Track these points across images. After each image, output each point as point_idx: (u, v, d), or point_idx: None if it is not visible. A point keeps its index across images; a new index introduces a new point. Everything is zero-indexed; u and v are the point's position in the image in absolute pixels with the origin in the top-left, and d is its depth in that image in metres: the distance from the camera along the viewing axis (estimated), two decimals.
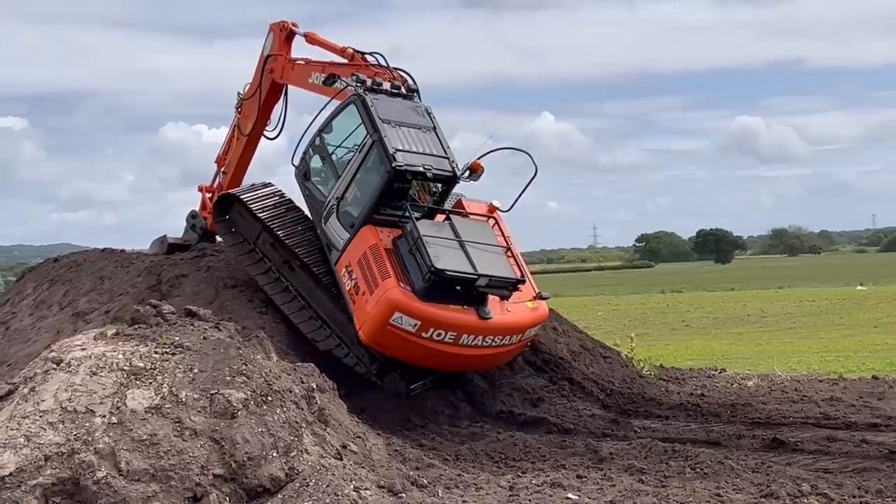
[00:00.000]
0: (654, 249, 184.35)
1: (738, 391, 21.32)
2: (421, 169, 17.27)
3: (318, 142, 18.81)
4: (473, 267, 16.56)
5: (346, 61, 20.01)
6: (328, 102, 18.85)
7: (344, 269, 17.51)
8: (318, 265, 18.47)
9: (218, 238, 23.30)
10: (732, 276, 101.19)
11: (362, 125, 17.73)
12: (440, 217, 17.78)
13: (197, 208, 24.16)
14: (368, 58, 19.67)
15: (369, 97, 17.71)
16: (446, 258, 16.42)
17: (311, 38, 21.45)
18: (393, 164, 16.99)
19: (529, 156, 18.48)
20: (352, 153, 18.19)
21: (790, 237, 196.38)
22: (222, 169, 23.64)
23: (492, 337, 16.89)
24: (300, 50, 21.80)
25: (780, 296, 60.36)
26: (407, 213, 17.06)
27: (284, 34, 21.80)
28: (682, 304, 56.93)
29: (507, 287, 16.97)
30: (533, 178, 18.18)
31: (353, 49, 19.99)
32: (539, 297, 17.69)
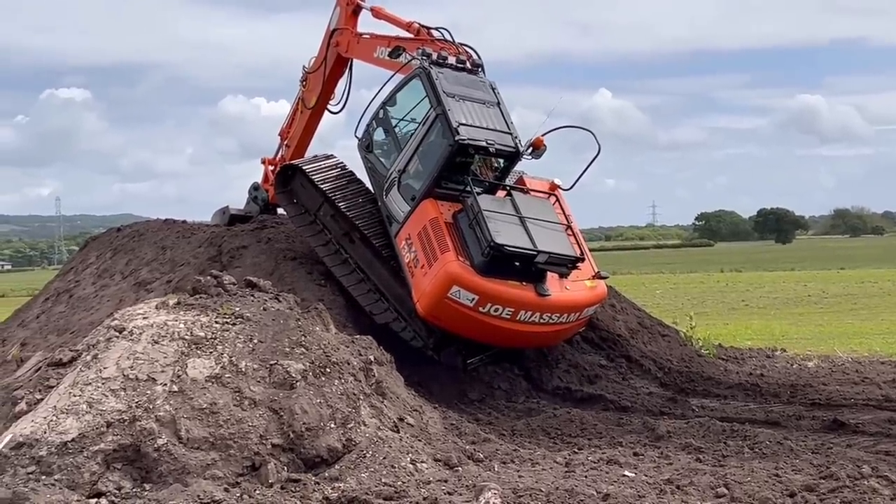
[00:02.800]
0: (714, 228, 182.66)
1: (798, 372, 21.11)
2: (484, 144, 17.20)
3: (381, 114, 18.81)
4: (533, 243, 16.48)
5: (411, 36, 19.99)
6: (393, 75, 18.83)
7: (403, 242, 17.50)
8: (378, 238, 18.49)
9: (279, 210, 23.45)
10: (793, 256, 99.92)
11: (426, 99, 17.69)
12: (501, 193, 17.73)
13: (259, 180, 24.33)
14: (434, 32, 19.62)
15: (434, 70, 17.64)
16: (506, 233, 16.36)
17: (377, 13, 21.34)
18: (456, 138, 16.93)
19: (593, 134, 18.38)
20: (415, 126, 18.16)
21: (853, 217, 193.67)
22: (285, 142, 23.76)
23: (549, 314, 16.80)
24: (366, 25, 21.79)
25: (842, 276, 59.50)
26: (468, 188, 17.03)
27: (351, 8, 21.72)
28: (742, 283, 56.35)
29: (566, 264, 16.89)
30: (596, 156, 18.10)
31: (419, 24, 19.92)
32: (598, 276, 17.60)
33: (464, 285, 16.29)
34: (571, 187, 18.59)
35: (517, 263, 16.44)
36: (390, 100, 18.69)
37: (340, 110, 22.12)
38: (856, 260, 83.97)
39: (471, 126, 17.16)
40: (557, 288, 16.82)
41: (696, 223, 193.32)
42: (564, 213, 17.96)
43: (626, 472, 11.32)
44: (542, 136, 17.83)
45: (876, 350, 24.57)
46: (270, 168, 23.99)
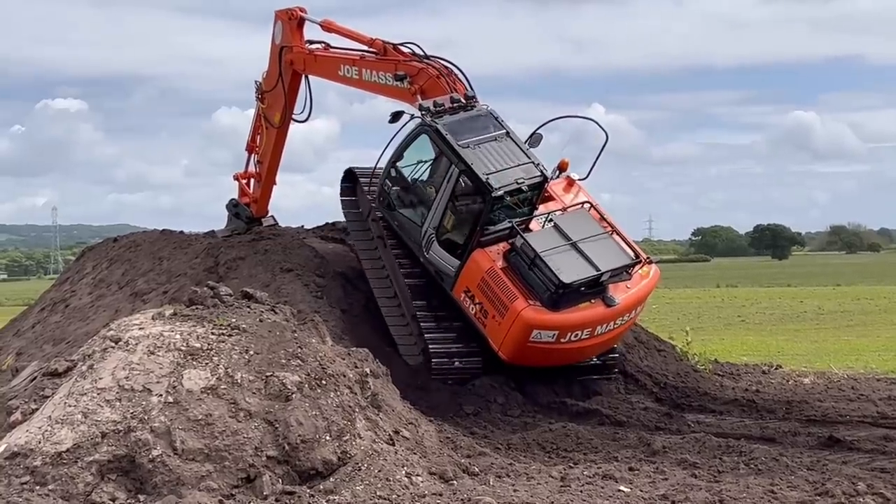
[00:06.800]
0: (710, 243, 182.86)
1: (794, 388, 21.07)
2: (515, 185, 17.32)
3: (393, 173, 18.87)
4: (594, 266, 16.87)
5: (374, 51, 19.72)
6: (395, 136, 18.55)
7: (463, 295, 17.67)
8: (395, 248, 19.13)
9: (264, 222, 23.47)
10: (789, 272, 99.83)
11: (441, 155, 17.84)
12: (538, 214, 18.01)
13: (236, 196, 24.08)
14: (403, 49, 19.32)
15: (440, 125, 17.56)
16: (568, 268, 16.68)
17: (328, 27, 20.88)
18: (492, 194, 17.04)
19: (597, 123, 19.21)
20: (430, 176, 18.43)
21: (849, 234, 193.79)
22: (257, 158, 23.37)
23: (621, 318, 17.50)
24: (312, 33, 21.39)
25: (838, 293, 59.50)
26: (513, 229, 17.22)
27: (295, 22, 21.21)
28: (738, 298, 56.32)
29: (626, 271, 17.44)
30: (605, 144, 18.86)
31: (383, 41, 19.59)
32: (648, 261, 18.05)
33: (542, 327, 16.79)
34: (587, 177, 19.27)
35: (583, 288, 16.88)
36: (399, 157, 18.74)
37: (307, 118, 21.82)
38: (852, 276, 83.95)
39: (496, 172, 17.21)
40: (621, 291, 17.36)
41: (693, 238, 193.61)
42: (602, 216, 18.23)
43: (622, 487, 11.30)
44: (542, 126, 18.91)
45: (872, 367, 24.53)
46: (244, 182, 23.82)
